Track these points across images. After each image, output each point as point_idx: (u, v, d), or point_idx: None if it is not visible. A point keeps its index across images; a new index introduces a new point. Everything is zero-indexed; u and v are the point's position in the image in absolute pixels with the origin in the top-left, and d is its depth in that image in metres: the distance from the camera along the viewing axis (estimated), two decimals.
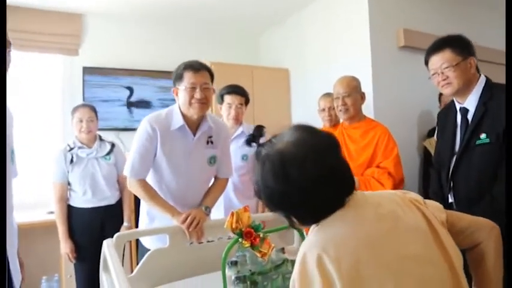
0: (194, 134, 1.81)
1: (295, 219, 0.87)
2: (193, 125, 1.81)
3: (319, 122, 2.79)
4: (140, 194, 1.76)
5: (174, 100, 1.85)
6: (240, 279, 1.20)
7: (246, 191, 2.41)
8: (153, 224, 1.84)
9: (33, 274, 2.27)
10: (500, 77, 1.56)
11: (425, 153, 3.01)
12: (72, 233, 2.40)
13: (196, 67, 1.73)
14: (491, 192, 1.48)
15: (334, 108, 2.40)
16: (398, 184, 2.07)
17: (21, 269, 1.23)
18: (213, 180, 1.98)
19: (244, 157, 2.47)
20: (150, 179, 1.82)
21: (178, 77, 1.75)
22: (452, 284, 0.81)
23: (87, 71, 3.53)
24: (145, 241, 1.87)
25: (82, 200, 2.42)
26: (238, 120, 2.48)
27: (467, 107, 1.62)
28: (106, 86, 3.61)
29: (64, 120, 3.46)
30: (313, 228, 0.86)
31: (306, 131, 0.89)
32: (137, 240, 2.01)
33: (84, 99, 3.46)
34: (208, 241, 1.79)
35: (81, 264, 2.41)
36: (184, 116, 1.77)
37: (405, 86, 3.04)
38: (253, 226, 1.22)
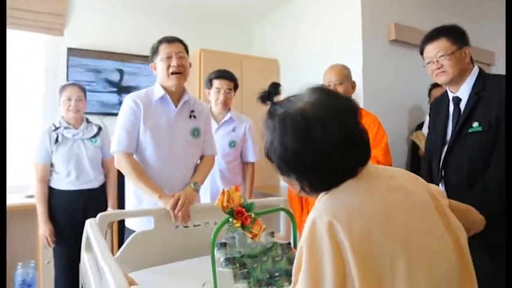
0: (176, 106, 1.84)
1: (306, 183, 0.82)
2: (174, 97, 1.84)
3: None
4: (127, 170, 1.72)
5: None
6: (229, 260, 1.16)
7: (233, 177, 2.39)
8: (141, 206, 1.79)
9: (8, 260, 2.18)
10: None
11: (413, 146, 3.03)
12: (52, 215, 2.31)
13: (170, 39, 1.81)
14: (483, 179, 1.48)
15: None
16: None
17: None
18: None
19: (231, 143, 2.45)
20: None
21: (154, 52, 1.82)
22: (458, 262, 0.80)
23: (72, 52, 3.41)
24: (131, 223, 1.81)
25: (65, 182, 2.33)
26: (227, 105, 2.45)
27: (460, 96, 1.63)
28: (92, 70, 3.49)
29: (46, 102, 3.35)
30: (321, 196, 0.82)
31: (326, 93, 0.85)
32: (122, 224, 1.95)
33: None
34: (194, 225, 1.75)
35: (60, 248, 2.32)
36: (164, 88, 1.82)
37: (395, 80, 3.05)
38: (245, 205, 1.18)
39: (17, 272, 2.72)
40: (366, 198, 0.78)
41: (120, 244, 1.99)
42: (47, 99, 3.36)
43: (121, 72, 3.63)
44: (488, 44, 3.61)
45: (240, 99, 3.53)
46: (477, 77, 1.61)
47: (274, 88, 0.92)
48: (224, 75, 2.46)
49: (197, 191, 1.80)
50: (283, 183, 3.78)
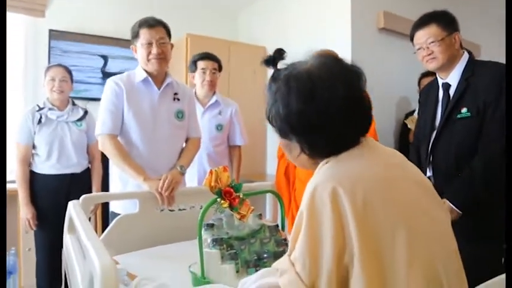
0: (159, 89, 1.82)
1: (306, 146, 0.80)
2: (156, 80, 1.81)
3: None
4: (112, 152, 1.69)
5: None
6: (216, 241, 1.14)
7: (221, 161, 2.37)
8: (126, 189, 1.76)
9: None
10: None
11: (402, 135, 3.03)
12: (33, 199, 2.25)
13: (151, 23, 1.75)
14: (470, 164, 1.49)
15: None
16: None
17: None
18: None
19: (218, 127, 2.43)
20: None
21: (134, 35, 1.77)
22: (452, 245, 0.79)
23: (54, 35, 3.29)
24: (116, 206, 1.78)
25: (46, 165, 2.27)
26: (213, 86, 2.43)
27: (450, 82, 1.63)
28: (75, 53, 3.39)
29: (26, 85, 3.24)
30: (322, 165, 0.80)
31: (331, 57, 0.85)
32: (106, 210, 1.91)
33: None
34: (180, 209, 1.72)
35: (42, 232, 2.27)
36: (146, 71, 1.79)
37: (383, 69, 3.05)
38: (233, 186, 1.16)
39: None
40: (369, 168, 0.77)
41: (104, 229, 1.95)
42: (27, 83, 3.24)
43: (105, 57, 3.54)
44: (474, 36, 3.64)
45: (227, 86, 3.49)
46: (467, 63, 1.61)
47: (279, 53, 0.90)
48: (208, 56, 2.46)
49: (183, 174, 1.77)
50: (269, 170, 3.79)
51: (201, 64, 2.42)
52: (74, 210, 1.25)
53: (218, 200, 1.15)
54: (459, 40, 1.62)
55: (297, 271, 0.71)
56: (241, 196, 1.17)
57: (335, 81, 0.77)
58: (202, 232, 1.17)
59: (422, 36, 1.64)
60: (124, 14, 3.57)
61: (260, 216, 1.38)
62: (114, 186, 1.83)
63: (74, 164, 2.34)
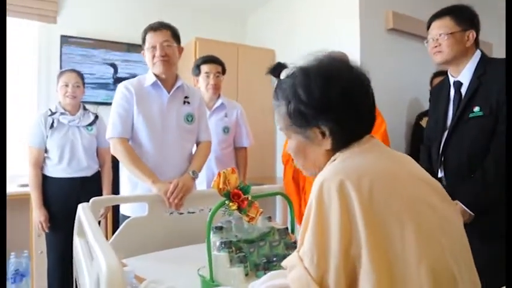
0: (169, 92, 1.83)
1: (332, 127, 0.81)
2: (166, 84, 1.83)
3: None
4: (122, 155, 1.70)
5: None
6: (225, 244, 1.13)
7: (229, 164, 2.37)
8: (135, 191, 1.77)
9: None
10: None
11: (414, 136, 2.98)
12: (46, 202, 2.28)
13: (155, 27, 1.78)
14: (482, 165, 1.46)
15: None
16: None
17: None
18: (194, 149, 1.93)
19: (225, 129, 2.43)
20: None
21: (143, 41, 1.82)
22: (463, 239, 0.78)
23: (66, 40, 3.34)
24: (125, 209, 1.79)
25: (57, 169, 2.30)
26: (217, 90, 2.44)
27: (461, 81, 1.60)
28: (87, 57, 3.42)
29: (40, 91, 3.29)
30: (329, 163, 0.82)
31: (336, 56, 0.88)
32: (117, 213, 1.92)
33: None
34: (189, 212, 1.72)
35: (54, 235, 2.29)
36: (156, 75, 1.81)
37: (393, 70, 3.01)
38: (242, 188, 1.15)
39: (10, 262, 2.68)
40: (377, 163, 0.79)
41: (114, 232, 1.97)
42: (41, 88, 3.30)
43: (114, 64, 3.57)
44: (486, 35, 3.57)
45: (236, 89, 3.50)
46: (479, 61, 1.58)
47: (283, 66, 0.94)
48: (212, 59, 2.47)
49: (195, 179, 1.78)
50: (280, 173, 3.77)
51: (204, 68, 2.43)
52: (83, 213, 1.25)
53: (226, 202, 1.14)
54: (473, 38, 1.58)
55: (306, 266, 0.70)
56: (249, 198, 1.16)
57: (348, 68, 0.83)
58: (211, 235, 1.17)
59: (435, 27, 1.62)
60: (134, 20, 3.61)
61: (269, 218, 1.37)
62: (124, 188, 1.84)
63: (85, 168, 2.36)
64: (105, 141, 2.45)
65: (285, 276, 0.76)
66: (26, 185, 2.41)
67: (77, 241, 1.34)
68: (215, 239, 1.17)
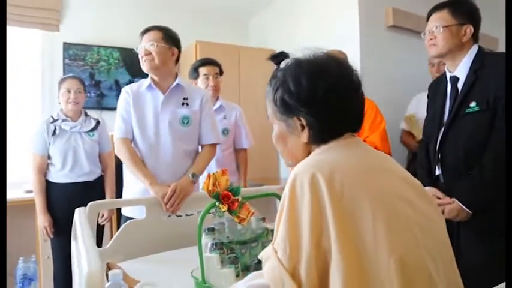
0: (164, 94, 1.84)
1: (311, 121, 0.82)
2: (162, 86, 1.84)
3: None
4: (124, 156, 1.74)
5: None
6: (216, 245, 1.14)
7: (229, 165, 2.37)
8: (134, 192, 1.80)
9: (11, 254, 2.17)
10: None
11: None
12: (50, 207, 2.32)
13: (146, 29, 1.83)
14: (480, 161, 1.43)
15: None
16: None
17: None
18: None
19: (225, 131, 2.44)
20: None
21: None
22: (442, 237, 0.77)
23: (68, 47, 3.39)
24: (126, 210, 1.84)
25: (60, 174, 2.33)
26: (217, 91, 2.45)
27: (458, 76, 1.57)
28: (88, 64, 3.47)
29: (43, 98, 3.34)
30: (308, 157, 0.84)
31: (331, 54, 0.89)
32: (121, 214, 1.95)
33: None
34: (187, 215, 1.73)
35: (58, 239, 2.31)
36: (152, 78, 1.84)
37: (393, 67, 2.99)
38: (231, 189, 1.15)
39: (19, 266, 2.72)
40: (351, 158, 0.79)
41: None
42: (44, 95, 3.35)
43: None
44: (492, 29, 3.52)
45: (238, 91, 3.50)
46: (475, 55, 1.54)
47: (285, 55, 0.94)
48: (210, 61, 2.49)
49: (195, 182, 1.78)
50: (283, 174, 3.76)
51: (203, 70, 2.44)
52: (78, 217, 1.27)
53: (217, 204, 1.14)
54: (470, 33, 1.54)
55: (279, 257, 0.71)
56: (240, 199, 1.16)
57: (340, 66, 0.84)
58: (204, 236, 1.17)
59: (433, 20, 1.59)
60: (135, 26, 3.63)
61: (263, 219, 1.37)
62: (125, 190, 1.89)
63: (87, 173, 2.39)
64: (106, 146, 2.50)
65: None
66: (31, 191, 2.45)
67: (73, 245, 1.36)
68: (207, 241, 1.18)
